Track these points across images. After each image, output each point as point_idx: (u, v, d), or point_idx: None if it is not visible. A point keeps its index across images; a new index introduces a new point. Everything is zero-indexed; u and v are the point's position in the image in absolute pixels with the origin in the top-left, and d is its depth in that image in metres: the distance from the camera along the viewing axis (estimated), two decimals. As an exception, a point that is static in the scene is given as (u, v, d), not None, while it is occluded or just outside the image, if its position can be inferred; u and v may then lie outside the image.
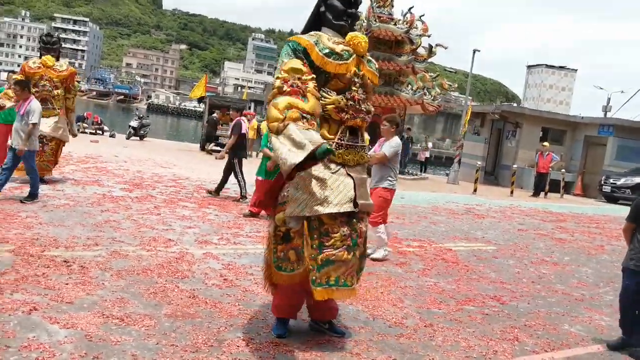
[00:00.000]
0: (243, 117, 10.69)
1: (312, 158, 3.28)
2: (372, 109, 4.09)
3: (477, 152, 23.95)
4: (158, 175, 12.14)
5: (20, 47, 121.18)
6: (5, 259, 5.00)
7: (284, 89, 3.56)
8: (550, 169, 19.48)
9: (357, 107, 3.93)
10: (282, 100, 3.50)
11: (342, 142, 3.92)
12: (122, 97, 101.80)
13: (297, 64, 3.69)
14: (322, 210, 3.66)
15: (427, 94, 20.48)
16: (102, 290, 4.57)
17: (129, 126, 23.30)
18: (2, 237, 5.70)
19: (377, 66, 4.21)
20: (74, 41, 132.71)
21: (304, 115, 3.48)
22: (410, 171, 23.87)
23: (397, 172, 7.23)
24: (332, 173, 3.80)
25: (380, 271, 6.34)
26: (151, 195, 9.40)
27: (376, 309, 4.99)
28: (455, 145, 28.04)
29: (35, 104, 7.79)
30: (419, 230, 9.47)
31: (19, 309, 3.94)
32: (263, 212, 8.65)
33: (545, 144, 20.31)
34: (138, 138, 22.86)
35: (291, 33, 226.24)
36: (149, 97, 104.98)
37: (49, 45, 9.69)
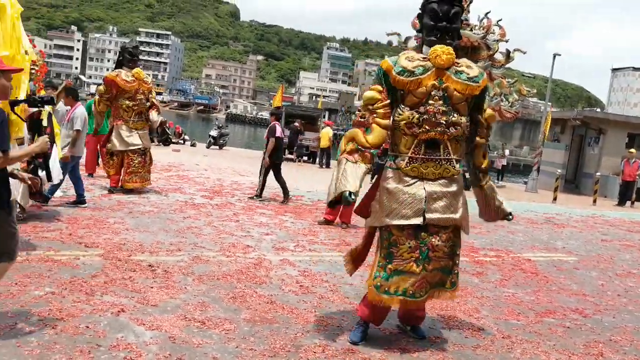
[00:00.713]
0: (277, 122, 10.84)
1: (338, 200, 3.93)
2: (461, 120, 4.03)
3: (557, 160, 23.01)
4: (237, 183, 12.50)
5: (109, 61, 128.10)
6: (95, 263, 5.33)
7: (356, 121, 4.18)
8: (637, 177, 18.42)
9: (433, 120, 3.95)
10: (349, 133, 4.14)
11: (417, 155, 4.00)
12: (202, 107, 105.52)
13: (371, 93, 4.09)
14: (388, 221, 3.97)
15: (505, 100, 19.93)
16: (185, 294, 4.77)
17: (209, 135, 24.17)
18: (93, 241, 6.07)
19: (473, 74, 4.07)
20: (157, 54, 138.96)
21: (360, 148, 4.01)
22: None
23: None
24: (405, 186, 3.99)
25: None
26: (230, 203, 9.70)
27: (452, 320, 4.92)
28: (533, 153, 27.10)
29: (79, 111, 7.92)
30: (496, 239, 9.23)
31: (108, 310, 4.19)
32: (338, 220, 8.73)
33: (632, 150, 19.22)
34: (218, 147, 23.64)
35: (365, 42, 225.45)
36: (228, 107, 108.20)
37: (136, 58, 9.60)
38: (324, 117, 32.67)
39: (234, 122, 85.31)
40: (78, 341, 3.62)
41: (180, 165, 14.73)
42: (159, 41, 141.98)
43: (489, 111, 4.37)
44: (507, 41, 25.17)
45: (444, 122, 3.96)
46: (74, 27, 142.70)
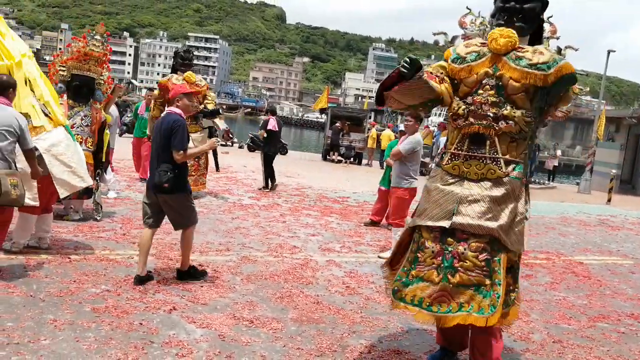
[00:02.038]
0: (272, 117, 11.92)
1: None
2: (515, 114, 3.42)
3: (612, 160, 22.23)
4: (283, 184, 12.62)
5: (159, 65, 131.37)
6: (148, 262, 5.49)
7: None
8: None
9: (479, 112, 3.44)
10: None
11: (460, 152, 3.52)
12: (249, 109, 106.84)
13: (440, 64, 3.79)
14: (418, 221, 3.56)
15: (556, 98, 19.44)
16: (233, 293, 4.88)
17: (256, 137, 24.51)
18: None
19: (540, 60, 3.44)
20: (206, 58, 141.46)
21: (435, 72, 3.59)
22: (537, 180, 22.72)
23: (417, 170, 7.00)
24: (444, 185, 3.52)
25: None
26: (277, 204, 9.82)
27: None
28: (586, 153, 26.28)
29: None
30: (546, 241, 9.02)
31: (160, 308, 4.33)
32: (384, 221, 8.72)
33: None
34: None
35: (411, 41, 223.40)
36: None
37: (188, 62, 9.70)
38: (370, 117, 32.57)
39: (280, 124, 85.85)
40: (132, 337, 3.76)
41: (229, 167, 14.97)
42: (208, 45, 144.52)
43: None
44: (558, 38, 24.42)
45: (492, 115, 3.42)
46: (126, 33, 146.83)
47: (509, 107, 3.44)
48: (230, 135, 24.86)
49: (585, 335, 4.75)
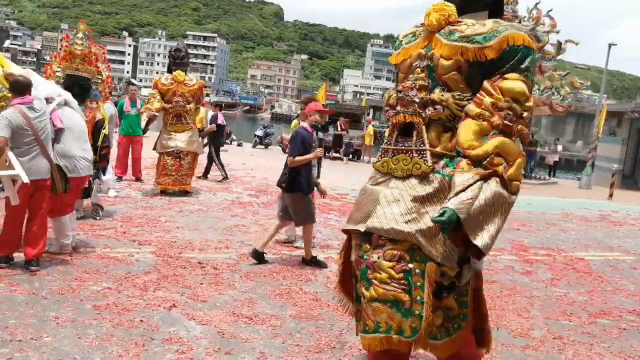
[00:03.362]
0: (220, 112, 12.67)
1: None
2: (442, 97, 2.80)
3: (614, 155, 22.24)
4: (282, 182, 12.62)
5: (158, 64, 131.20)
6: (148, 260, 5.50)
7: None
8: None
9: (407, 98, 2.88)
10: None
11: (389, 146, 2.96)
12: (247, 107, 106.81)
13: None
14: (344, 226, 3.08)
15: (556, 93, 19.42)
16: (233, 290, 4.88)
17: (255, 135, 24.45)
18: (146, 239, 6.26)
19: (476, 32, 2.77)
20: (204, 56, 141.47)
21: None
22: (537, 175, 22.71)
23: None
24: (372, 185, 2.97)
25: (505, 280, 6.14)
26: (276, 201, 9.80)
27: (500, 319, 4.85)
28: (587, 148, 26.28)
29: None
30: (547, 237, 9.01)
31: (161, 305, 4.34)
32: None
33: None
34: (263, 146, 23.89)
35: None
36: (273, 106, 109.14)
37: (179, 60, 9.62)
38: (368, 114, 32.48)
39: (278, 121, 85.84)
40: (133, 334, 3.77)
41: (227, 165, 14.94)
42: (206, 44, 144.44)
43: (509, 83, 2.70)
44: (558, 32, 24.28)
45: (419, 101, 2.85)
46: (125, 33, 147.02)
47: (437, 90, 2.84)
48: (229, 133, 24.87)
49: (586, 332, 4.75)
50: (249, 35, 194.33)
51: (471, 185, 2.57)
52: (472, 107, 2.69)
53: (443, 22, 2.85)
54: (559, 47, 19.94)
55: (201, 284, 4.94)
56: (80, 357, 3.40)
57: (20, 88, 4.75)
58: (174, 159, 9.19)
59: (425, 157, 2.81)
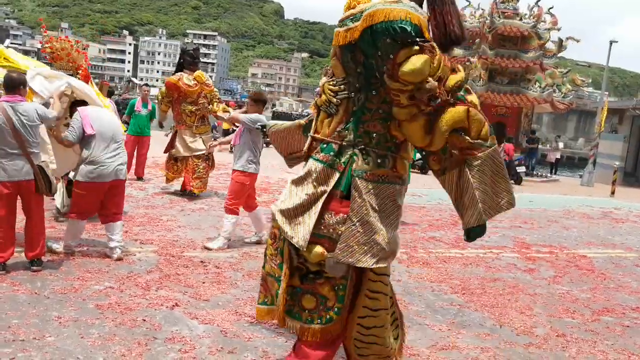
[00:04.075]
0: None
1: None
2: (322, 82, 2.89)
3: (615, 152, 22.23)
4: (284, 180, 12.59)
5: (158, 63, 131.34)
6: (150, 259, 5.50)
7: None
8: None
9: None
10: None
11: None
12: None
13: None
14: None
15: (557, 91, 19.42)
16: (235, 289, 4.87)
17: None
18: (147, 238, 6.26)
19: (346, 15, 2.70)
20: (205, 55, 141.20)
21: None
22: (539, 173, 22.70)
23: (259, 153, 6.35)
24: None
25: (507, 277, 6.14)
26: (277, 199, 9.78)
27: (503, 317, 4.84)
28: (589, 145, 26.24)
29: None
30: (549, 235, 9.00)
31: (163, 305, 4.33)
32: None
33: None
34: (265, 145, 23.89)
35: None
36: (274, 105, 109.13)
37: (198, 60, 9.31)
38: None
39: (280, 119, 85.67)
40: (136, 333, 3.77)
41: (229, 164, 14.93)
42: (206, 42, 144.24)
43: (404, 69, 2.46)
44: (559, 29, 24.46)
45: (316, 90, 2.91)
46: (125, 32, 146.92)
47: (324, 78, 2.91)
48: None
49: (589, 329, 4.74)
50: (250, 33, 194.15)
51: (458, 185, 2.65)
52: (397, 110, 2.61)
53: (347, 10, 2.74)
54: (560, 45, 19.94)
55: (203, 283, 4.94)
56: (83, 357, 3.40)
57: (12, 85, 4.66)
58: (204, 161, 8.99)
59: (308, 142, 2.90)
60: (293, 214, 2.72)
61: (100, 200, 5.26)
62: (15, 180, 4.64)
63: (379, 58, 2.54)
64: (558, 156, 26.49)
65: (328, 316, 2.72)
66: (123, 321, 3.94)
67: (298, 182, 2.78)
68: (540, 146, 24.39)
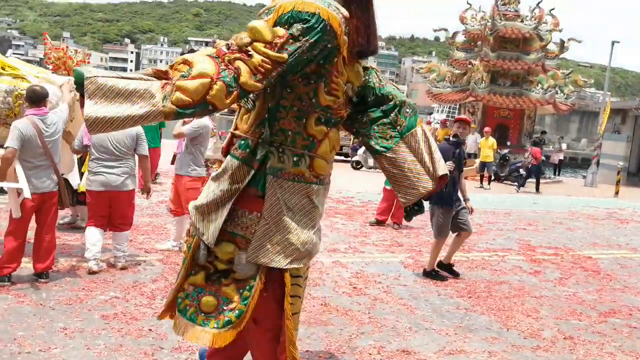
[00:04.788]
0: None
1: None
2: None
3: (619, 152, 22.10)
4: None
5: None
6: (155, 268, 5.50)
7: None
8: None
9: None
10: None
11: None
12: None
13: None
14: None
15: (560, 92, 19.38)
16: (241, 296, 4.86)
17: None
18: (152, 247, 6.26)
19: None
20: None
21: None
22: (545, 175, 22.61)
23: (203, 157, 6.23)
24: None
25: (513, 280, 6.12)
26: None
27: (510, 320, 4.83)
28: (592, 146, 26.17)
29: None
30: (554, 236, 8.97)
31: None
32: (389, 221, 8.69)
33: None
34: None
35: (412, 39, 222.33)
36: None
37: None
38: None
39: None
40: (142, 343, 3.76)
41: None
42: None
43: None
44: (560, 31, 24.29)
45: None
46: (127, 40, 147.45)
47: None
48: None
49: (597, 331, 4.72)
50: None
51: None
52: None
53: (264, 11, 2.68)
54: (562, 46, 19.93)
55: (209, 291, 4.93)
56: (89, 368, 3.40)
57: (37, 98, 4.72)
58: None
59: (228, 138, 2.77)
60: (207, 210, 2.63)
61: (106, 208, 5.29)
62: (40, 192, 4.70)
63: None
64: (561, 157, 26.40)
65: (226, 319, 2.56)
66: (129, 331, 3.94)
67: (216, 178, 2.68)
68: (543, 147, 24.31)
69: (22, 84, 5.24)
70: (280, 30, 2.32)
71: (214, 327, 2.56)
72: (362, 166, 18.59)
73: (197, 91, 2.15)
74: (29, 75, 5.44)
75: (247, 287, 2.56)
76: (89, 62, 6.89)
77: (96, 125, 2.10)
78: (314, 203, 2.64)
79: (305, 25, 2.33)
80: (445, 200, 5.85)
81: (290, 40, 2.31)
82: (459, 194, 6.13)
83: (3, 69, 5.38)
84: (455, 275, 6.10)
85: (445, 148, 5.88)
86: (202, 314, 2.61)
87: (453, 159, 5.84)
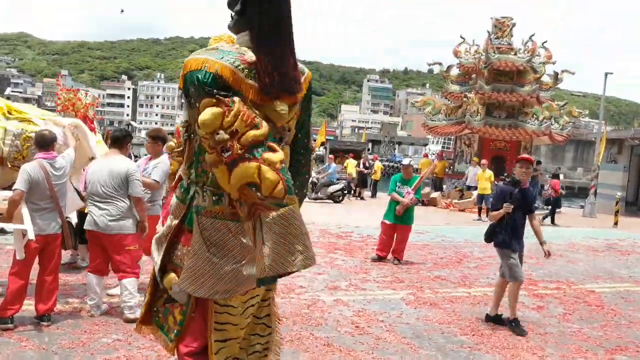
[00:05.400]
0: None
1: None
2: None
3: (616, 182, 22.17)
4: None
5: (157, 106, 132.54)
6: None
7: None
8: None
9: None
10: None
11: None
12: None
13: None
14: None
15: (555, 123, 19.58)
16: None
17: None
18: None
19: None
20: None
21: None
22: (539, 205, 22.61)
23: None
24: None
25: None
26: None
27: (515, 358, 4.78)
28: (588, 174, 26.27)
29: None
30: (555, 270, 8.94)
31: (173, 357, 4.26)
32: (390, 256, 8.66)
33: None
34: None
35: (405, 71, 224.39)
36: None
37: None
38: (368, 150, 32.50)
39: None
40: (144, 390, 3.70)
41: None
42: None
43: (201, 116, 2.50)
44: (554, 63, 24.47)
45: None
46: (124, 77, 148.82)
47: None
48: None
49: (603, 368, 4.67)
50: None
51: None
52: (206, 155, 2.59)
53: None
54: (556, 78, 20.22)
55: (211, 332, 4.87)
56: (92, 417, 3.33)
57: (45, 143, 4.81)
58: None
59: (176, 179, 3.11)
60: (159, 241, 3.00)
61: (101, 250, 5.22)
62: (44, 234, 4.72)
63: (194, 105, 2.63)
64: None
65: (171, 335, 2.99)
66: (131, 377, 3.88)
67: (170, 213, 3.01)
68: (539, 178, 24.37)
69: (29, 127, 5.33)
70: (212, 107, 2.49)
71: (169, 339, 3.01)
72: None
73: (270, 184, 2.47)
74: (35, 118, 5.52)
75: (182, 312, 2.94)
76: (98, 105, 7.02)
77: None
78: (238, 238, 2.76)
79: (197, 84, 2.55)
80: (504, 243, 5.72)
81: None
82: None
83: (10, 112, 5.46)
84: (501, 323, 5.70)
85: (503, 189, 5.87)
86: (167, 327, 3.03)
87: (510, 200, 5.63)
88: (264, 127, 2.54)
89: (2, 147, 5.19)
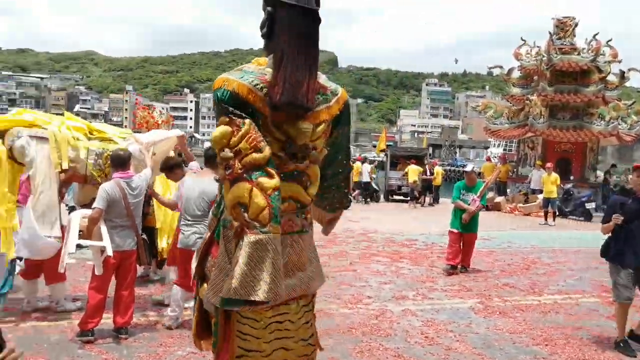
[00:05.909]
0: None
1: None
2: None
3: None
4: (349, 229, 12.64)
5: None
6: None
7: None
8: None
9: None
10: None
11: None
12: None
13: None
14: None
15: (623, 123, 18.81)
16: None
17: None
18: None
19: None
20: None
21: None
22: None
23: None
24: None
25: (591, 325, 5.89)
26: (346, 251, 9.84)
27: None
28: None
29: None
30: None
31: None
32: (460, 265, 8.54)
33: None
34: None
35: (464, 74, 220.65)
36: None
37: None
38: (430, 155, 32.00)
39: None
40: (222, 400, 3.83)
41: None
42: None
43: (214, 132, 2.71)
44: (620, 62, 23.55)
45: None
46: (186, 90, 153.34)
47: None
48: None
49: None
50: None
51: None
52: (218, 171, 2.70)
53: None
54: (622, 76, 19.45)
55: (281, 343, 4.99)
56: None
57: (121, 162, 5.09)
58: None
59: None
60: (197, 253, 3.15)
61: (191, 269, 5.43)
62: (121, 250, 4.98)
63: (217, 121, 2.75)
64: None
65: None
66: (209, 387, 4.03)
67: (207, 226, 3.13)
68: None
69: (109, 146, 5.63)
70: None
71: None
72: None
73: (257, 209, 2.52)
74: (115, 137, 5.82)
75: (215, 323, 2.93)
76: (173, 124, 7.41)
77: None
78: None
79: (217, 101, 2.65)
80: (617, 256, 5.33)
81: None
82: None
83: (91, 133, 5.80)
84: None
85: (614, 199, 5.62)
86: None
87: (621, 211, 5.28)
88: (266, 152, 2.62)
89: (86, 166, 5.52)
